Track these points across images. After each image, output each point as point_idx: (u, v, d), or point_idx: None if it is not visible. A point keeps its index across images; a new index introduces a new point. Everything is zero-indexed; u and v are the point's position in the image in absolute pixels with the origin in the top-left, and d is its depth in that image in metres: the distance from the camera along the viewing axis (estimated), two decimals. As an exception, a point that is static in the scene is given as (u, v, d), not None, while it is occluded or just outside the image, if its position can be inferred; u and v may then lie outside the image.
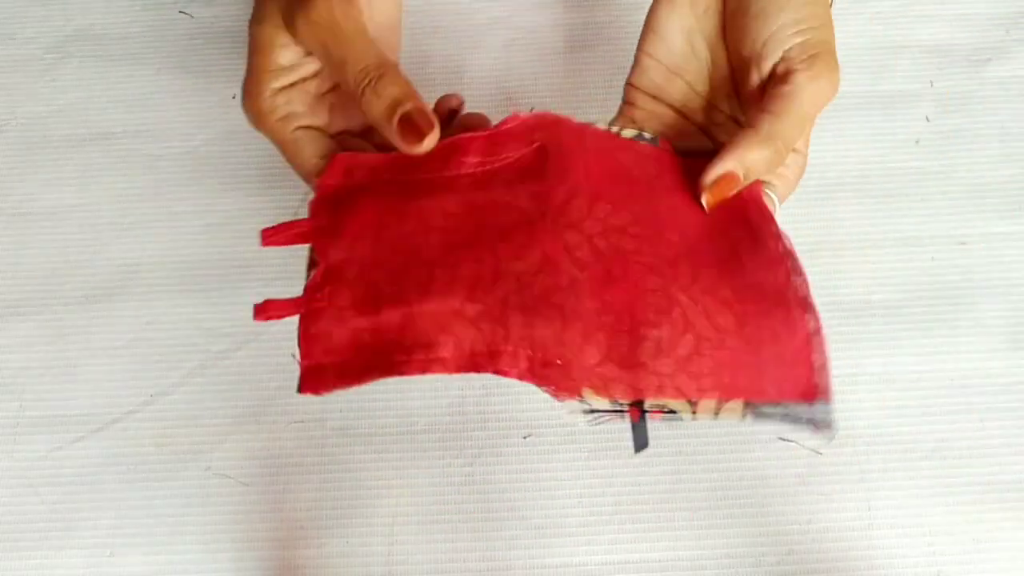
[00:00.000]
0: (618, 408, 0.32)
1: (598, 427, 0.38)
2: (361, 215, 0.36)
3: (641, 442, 0.33)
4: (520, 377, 0.32)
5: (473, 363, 0.32)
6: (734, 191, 0.39)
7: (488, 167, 0.37)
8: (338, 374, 0.32)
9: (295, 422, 0.48)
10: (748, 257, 0.36)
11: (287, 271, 0.50)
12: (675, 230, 0.36)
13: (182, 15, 0.57)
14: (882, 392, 0.48)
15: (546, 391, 0.32)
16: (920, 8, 0.56)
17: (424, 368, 0.31)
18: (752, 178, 0.39)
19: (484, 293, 0.32)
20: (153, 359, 0.49)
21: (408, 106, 0.38)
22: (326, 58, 0.39)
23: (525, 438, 0.48)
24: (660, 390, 0.32)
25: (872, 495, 0.46)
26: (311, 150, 0.40)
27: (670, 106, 0.43)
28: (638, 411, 0.32)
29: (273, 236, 0.37)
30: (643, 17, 0.56)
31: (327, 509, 0.46)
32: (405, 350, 0.32)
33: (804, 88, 0.38)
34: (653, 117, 0.44)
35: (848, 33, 0.54)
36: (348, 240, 0.35)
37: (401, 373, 0.31)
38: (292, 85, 0.40)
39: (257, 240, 0.37)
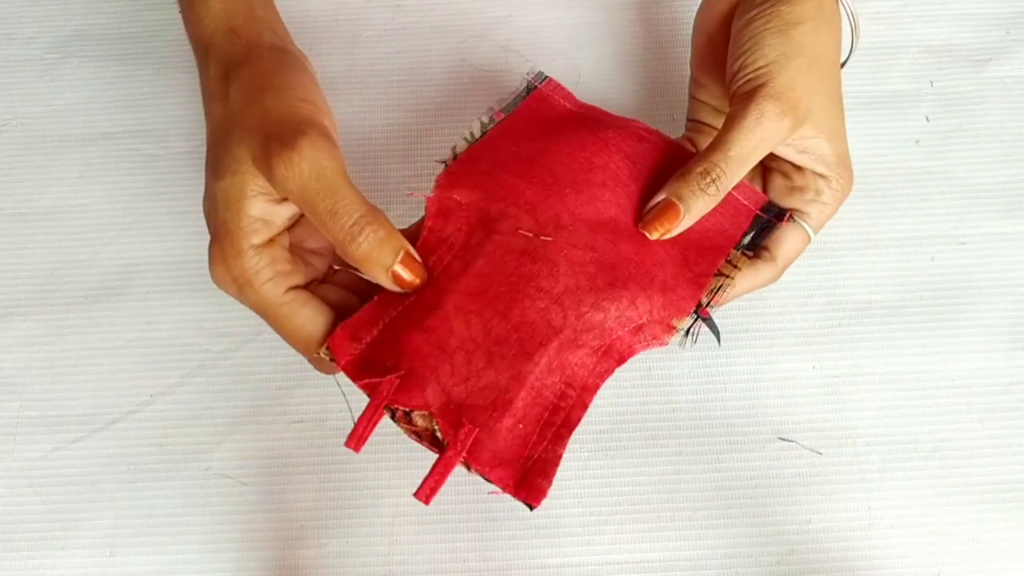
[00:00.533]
0: (696, 317, 0.42)
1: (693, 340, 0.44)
2: (398, 346, 0.39)
3: (717, 331, 0.43)
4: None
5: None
6: (675, 221, 0.41)
7: (448, 260, 0.42)
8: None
9: (295, 422, 0.48)
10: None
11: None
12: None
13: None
14: (882, 392, 0.48)
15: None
16: (920, 8, 0.56)
17: None
18: (692, 207, 0.41)
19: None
20: (153, 359, 0.49)
21: (401, 256, 0.38)
22: (310, 206, 0.36)
23: (525, 438, 0.47)
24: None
25: (872, 495, 0.46)
26: (304, 316, 0.38)
27: None
28: (706, 311, 0.43)
29: (362, 434, 0.38)
30: (642, 17, 0.56)
31: (327, 509, 0.46)
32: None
33: (730, 120, 0.41)
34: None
35: (847, 33, 0.54)
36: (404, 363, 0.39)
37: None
38: (270, 240, 0.38)
39: (344, 438, 0.38)
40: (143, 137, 0.54)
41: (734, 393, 0.48)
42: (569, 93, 0.48)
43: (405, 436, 0.42)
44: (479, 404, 0.39)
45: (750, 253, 0.44)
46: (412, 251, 0.39)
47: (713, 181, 0.40)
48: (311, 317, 0.38)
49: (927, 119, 0.53)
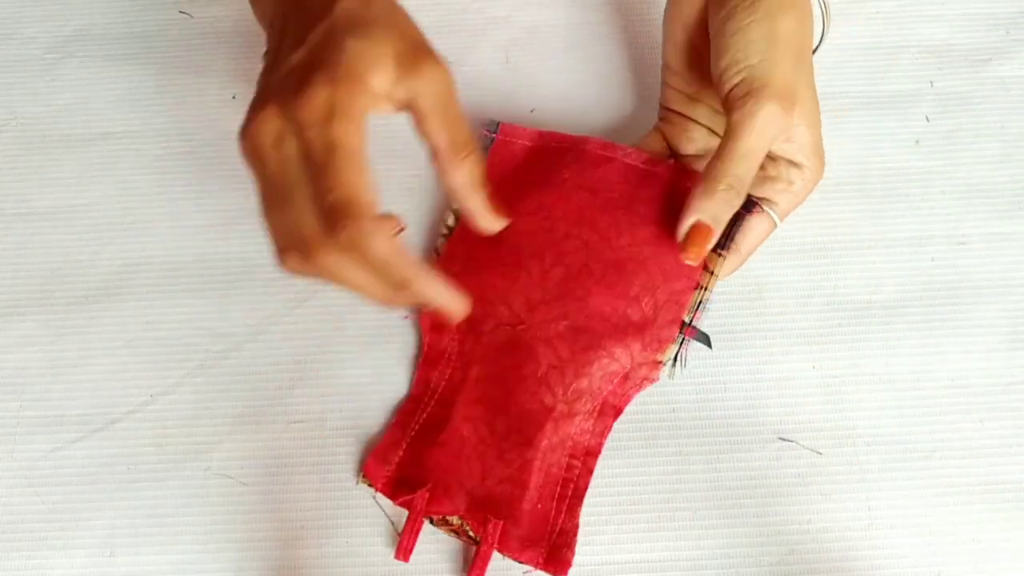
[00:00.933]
0: (681, 339, 0.46)
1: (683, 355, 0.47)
2: (422, 463, 0.46)
3: (707, 339, 0.46)
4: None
5: None
6: (710, 240, 0.42)
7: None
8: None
9: (295, 422, 0.48)
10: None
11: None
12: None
13: (182, 15, 0.57)
14: (882, 392, 0.48)
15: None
16: (920, 8, 0.56)
17: None
18: (722, 223, 0.42)
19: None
20: (153, 359, 0.49)
21: (487, 188, 0.42)
22: (441, 108, 0.38)
23: (525, 438, 0.47)
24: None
25: (872, 495, 0.46)
26: (367, 177, 0.36)
27: (700, 124, 0.48)
28: (691, 330, 0.46)
29: (407, 546, 0.44)
30: (642, 17, 0.56)
31: (327, 509, 0.46)
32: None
33: (739, 127, 0.41)
34: (681, 134, 0.48)
35: (848, 33, 0.55)
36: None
37: None
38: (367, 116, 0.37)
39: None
40: (143, 137, 0.54)
41: (734, 393, 0.48)
42: (524, 129, 0.51)
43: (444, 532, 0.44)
44: (500, 498, 0.44)
45: (724, 252, 0.45)
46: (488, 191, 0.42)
47: (737, 193, 0.42)
48: (374, 187, 0.36)
49: (927, 119, 0.53)
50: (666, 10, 0.47)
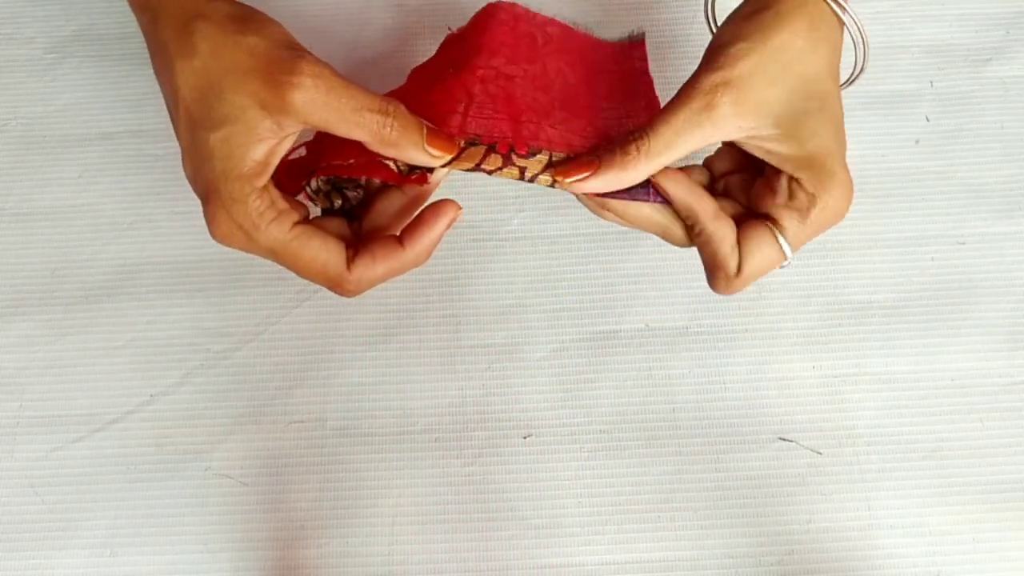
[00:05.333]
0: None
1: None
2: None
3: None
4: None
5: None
6: (582, 172, 0.40)
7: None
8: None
9: (295, 422, 0.48)
10: (615, 115, 0.45)
11: (287, 272, 0.50)
12: (558, 89, 0.45)
13: (182, 15, 0.57)
14: (882, 392, 0.48)
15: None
16: (920, 8, 0.56)
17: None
18: (607, 176, 0.40)
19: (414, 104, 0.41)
20: (153, 359, 0.49)
21: (425, 124, 0.39)
22: (335, 117, 0.37)
23: (525, 438, 0.48)
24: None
25: (872, 495, 0.46)
26: (315, 247, 0.39)
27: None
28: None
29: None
30: (642, 18, 0.56)
31: (327, 509, 0.46)
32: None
33: (680, 102, 0.39)
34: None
35: (848, 33, 0.54)
36: None
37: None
38: (266, 184, 0.38)
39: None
40: (143, 137, 0.54)
41: (734, 393, 0.48)
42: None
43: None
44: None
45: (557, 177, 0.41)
46: (430, 125, 0.40)
47: (637, 153, 0.39)
48: (322, 246, 0.39)
49: (927, 119, 0.53)
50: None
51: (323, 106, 0.37)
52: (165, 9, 0.39)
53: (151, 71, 0.56)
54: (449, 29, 0.48)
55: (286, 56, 0.37)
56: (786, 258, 0.41)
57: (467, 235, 0.51)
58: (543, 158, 0.40)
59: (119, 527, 0.46)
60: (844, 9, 0.41)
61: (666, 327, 0.49)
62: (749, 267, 0.41)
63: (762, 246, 0.41)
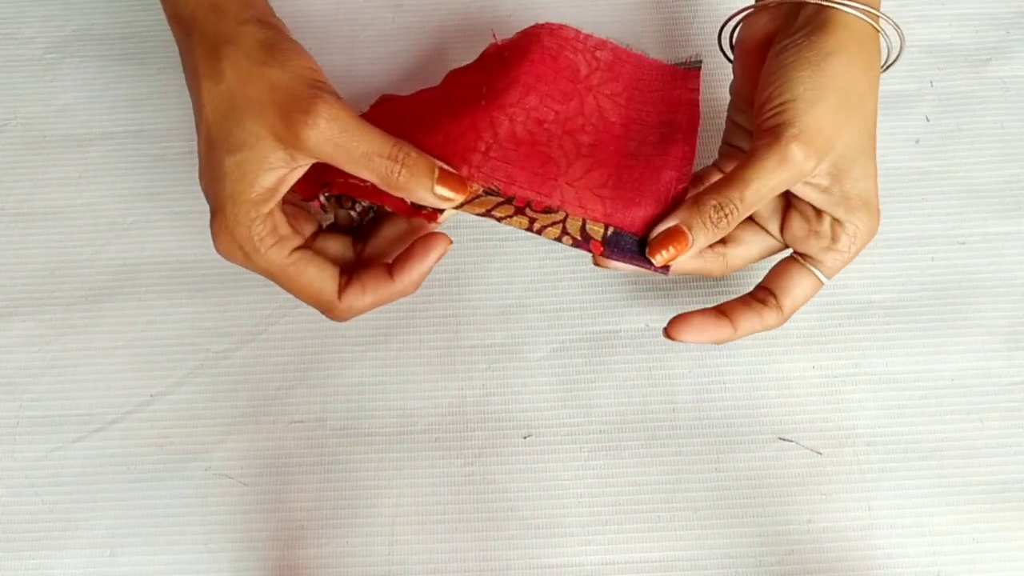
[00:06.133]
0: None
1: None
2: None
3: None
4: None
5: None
6: (683, 249, 0.40)
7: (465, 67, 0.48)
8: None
9: (295, 422, 0.48)
10: (645, 158, 0.44)
11: (287, 271, 0.50)
12: (590, 131, 0.45)
13: (182, 15, 0.57)
14: (882, 392, 0.48)
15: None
16: (920, 8, 0.56)
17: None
18: (700, 239, 0.40)
19: (428, 137, 0.42)
20: (153, 359, 0.49)
21: (438, 166, 0.40)
22: (345, 158, 0.39)
23: (525, 438, 0.48)
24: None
25: (872, 495, 0.46)
26: (311, 274, 0.41)
27: None
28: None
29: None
30: (642, 18, 0.56)
31: (327, 509, 0.46)
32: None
33: (752, 157, 0.39)
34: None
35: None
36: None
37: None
38: (272, 209, 0.40)
39: None
40: (143, 137, 0.54)
41: (734, 393, 0.48)
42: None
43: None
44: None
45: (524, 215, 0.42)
46: (445, 167, 0.40)
47: (725, 216, 0.40)
48: (318, 273, 0.41)
49: (927, 119, 0.53)
50: (735, 46, 0.45)
51: (334, 147, 0.38)
52: (199, 27, 0.41)
53: (151, 71, 0.56)
54: (493, 37, 0.48)
55: (305, 94, 0.38)
56: (823, 285, 0.43)
57: (467, 235, 0.51)
58: (557, 217, 0.41)
59: (119, 527, 0.46)
60: (895, 26, 0.42)
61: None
62: (790, 303, 0.43)
63: (802, 283, 0.43)
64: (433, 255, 0.42)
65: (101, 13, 0.57)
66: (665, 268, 0.41)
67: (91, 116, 0.55)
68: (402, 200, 0.41)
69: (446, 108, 0.45)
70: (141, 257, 0.51)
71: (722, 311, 0.43)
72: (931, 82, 0.54)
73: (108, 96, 0.55)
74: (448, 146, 0.41)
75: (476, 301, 0.50)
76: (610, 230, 0.42)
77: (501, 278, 0.50)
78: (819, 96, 0.39)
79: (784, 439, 0.47)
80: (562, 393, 0.48)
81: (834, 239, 0.42)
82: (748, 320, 0.43)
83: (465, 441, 0.48)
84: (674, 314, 0.43)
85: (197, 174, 0.40)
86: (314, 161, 0.40)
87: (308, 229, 0.44)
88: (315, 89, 0.39)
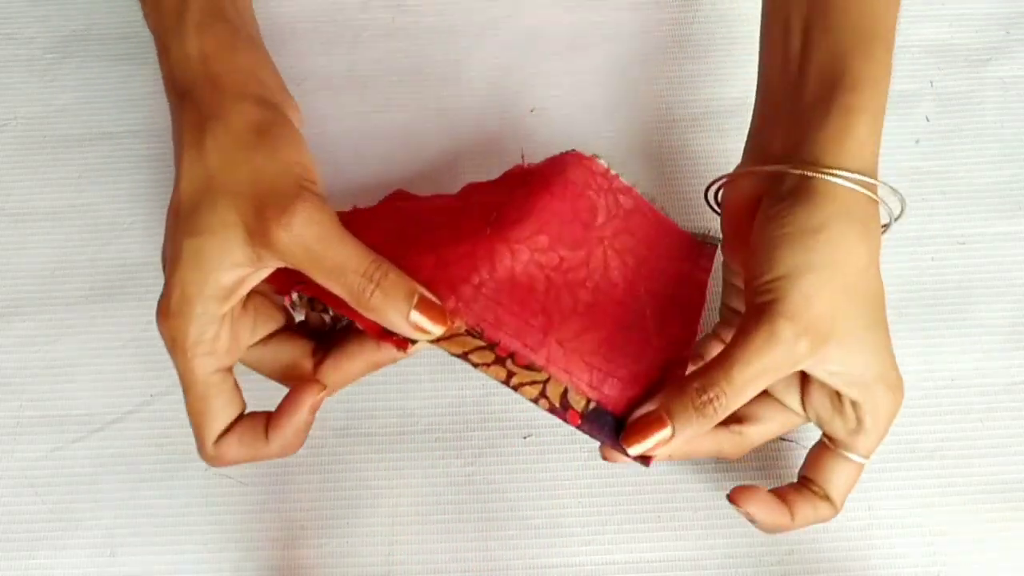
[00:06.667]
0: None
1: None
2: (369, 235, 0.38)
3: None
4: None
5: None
6: (656, 435, 0.36)
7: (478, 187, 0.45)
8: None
9: (295, 422, 0.48)
10: (642, 333, 0.41)
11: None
12: (591, 288, 0.41)
13: (182, 15, 0.57)
14: (882, 392, 0.48)
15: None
16: (920, 8, 0.56)
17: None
18: (682, 427, 0.36)
19: (422, 257, 0.39)
20: (153, 359, 0.49)
21: (420, 292, 0.36)
22: (316, 267, 0.35)
23: (525, 438, 0.48)
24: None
25: (872, 495, 0.46)
26: (215, 406, 0.37)
27: None
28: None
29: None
30: (642, 18, 0.56)
31: (327, 509, 0.46)
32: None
33: (739, 338, 0.36)
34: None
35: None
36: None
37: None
38: (223, 314, 0.36)
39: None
40: (143, 137, 0.54)
41: (734, 393, 0.48)
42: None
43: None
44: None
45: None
46: (427, 294, 0.37)
47: (710, 402, 0.36)
48: (221, 409, 0.38)
49: (927, 119, 0.53)
50: (722, 205, 0.42)
51: (306, 253, 0.35)
52: (192, 98, 0.38)
53: (151, 71, 0.56)
54: (522, 158, 0.45)
55: (287, 190, 0.35)
56: (864, 465, 0.41)
57: (467, 235, 0.51)
58: (538, 377, 0.38)
59: (119, 527, 0.46)
60: (892, 190, 0.39)
61: (666, 327, 0.49)
62: (837, 494, 0.40)
63: (841, 471, 0.40)
64: (304, 406, 0.38)
65: (101, 13, 0.57)
66: (644, 459, 0.38)
67: (91, 116, 0.55)
68: (374, 322, 0.37)
69: (451, 224, 0.42)
70: (141, 257, 0.51)
71: (781, 496, 0.40)
72: (931, 82, 0.54)
73: (108, 96, 0.55)
74: (440, 271, 0.38)
75: (476, 301, 0.50)
76: (592, 404, 0.38)
77: (501, 278, 0.50)
78: (805, 273, 0.35)
79: (784, 439, 0.47)
80: (562, 393, 0.48)
81: (859, 421, 0.39)
82: (804, 511, 0.40)
83: (465, 441, 0.47)
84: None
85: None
86: (281, 265, 0.36)
87: (272, 325, 0.40)
88: (299, 187, 0.35)
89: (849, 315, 0.36)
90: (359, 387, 0.48)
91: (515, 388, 0.37)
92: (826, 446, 0.41)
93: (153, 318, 0.50)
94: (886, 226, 0.40)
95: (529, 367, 0.38)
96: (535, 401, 0.38)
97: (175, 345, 0.36)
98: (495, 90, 0.55)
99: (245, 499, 0.47)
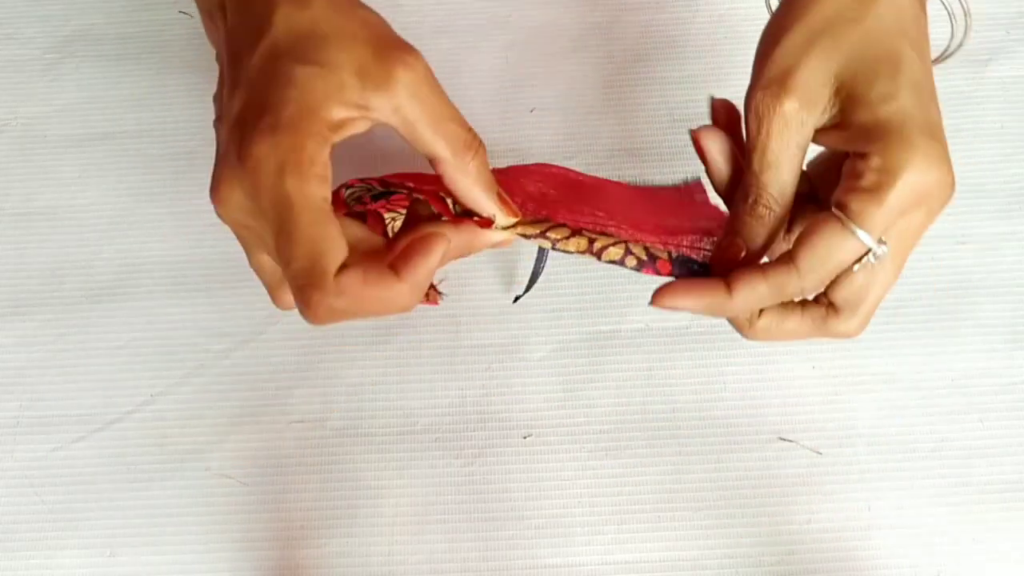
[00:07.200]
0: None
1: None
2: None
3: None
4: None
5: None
6: (736, 255, 0.36)
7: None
8: None
9: (295, 422, 0.48)
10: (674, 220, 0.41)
11: (287, 271, 0.50)
12: (613, 200, 0.42)
13: (182, 15, 0.57)
14: (882, 392, 0.48)
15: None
16: (920, 8, 0.56)
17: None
18: (753, 238, 0.36)
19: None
20: (153, 359, 0.49)
21: (496, 187, 0.36)
22: (428, 114, 0.33)
23: (525, 438, 0.48)
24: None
25: (872, 495, 0.46)
26: (332, 232, 0.32)
27: None
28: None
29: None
30: (642, 18, 0.56)
31: (327, 509, 0.46)
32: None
33: (753, 128, 0.35)
34: None
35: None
36: None
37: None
38: (334, 145, 0.33)
39: None
40: (143, 137, 0.54)
41: (734, 393, 0.48)
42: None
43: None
44: None
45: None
46: (501, 191, 0.36)
47: (765, 205, 0.36)
48: (339, 238, 0.32)
49: (927, 119, 0.53)
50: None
51: (421, 98, 0.33)
52: None
53: (151, 71, 0.56)
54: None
55: (399, 39, 0.34)
56: (866, 247, 0.34)
57: (467, 235, 0.51)
58: (618, 239, 0.38)
59: (119, 527, 0.46)
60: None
61: (666, 327, 0.49)
62: (808, 257, 0.34)
63: (825, 235, 0.34)
64: (438, 249, 0.34)
65: (101, 13, 0.57)
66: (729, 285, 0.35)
67: (91, 116, 0.55)
68: (446, 204, 0.36)
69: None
70: (141, 257, 0.51)
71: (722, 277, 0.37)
72: (931, 82, 0.54)
73: (108, 96, 0.55)
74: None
75: (476, 301, 0.50)
76: (675, 253, 0.38)
77: (501, 278, 0.50)
78: (784, 27, 0.35)
79: (784, 439, 0.47)
80: (562, 393, 0.48)
81: (872, 189, 0.33)
82: (749, 283, 0.35)
83: (465, 441, 0.47)
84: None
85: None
86: (379, 122, 0.33)
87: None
88: (401, 39, 0.34)
89: (833, 56, 0.35)
90: (359, 387, 0.48)
91: (599, 253, 0.37)
92: (825, 213, 0.34)
93: (154, 318, 0.50)
94: (951, 50, 0.39)
95: (604, 234, 0.38)
96: (620, 261, 0.37)
97: (286, 163, 0.31)
98: (495, 90, 0.55)
99: (245, 499, 0.47)
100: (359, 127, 0.34)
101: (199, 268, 0.51)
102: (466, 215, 0.37)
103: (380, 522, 0.46)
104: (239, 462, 0.47)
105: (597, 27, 0.56)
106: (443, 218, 0.37)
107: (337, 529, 0.46)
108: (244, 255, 0.51)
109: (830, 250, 0.34)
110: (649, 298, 0.37)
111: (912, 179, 0.33)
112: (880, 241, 0.34)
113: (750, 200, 0.36)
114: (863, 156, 0.33)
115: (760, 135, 0.35)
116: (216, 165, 0.34)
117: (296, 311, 0.34)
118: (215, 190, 0.33)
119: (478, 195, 0.36)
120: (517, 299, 0.49)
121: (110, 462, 0.47)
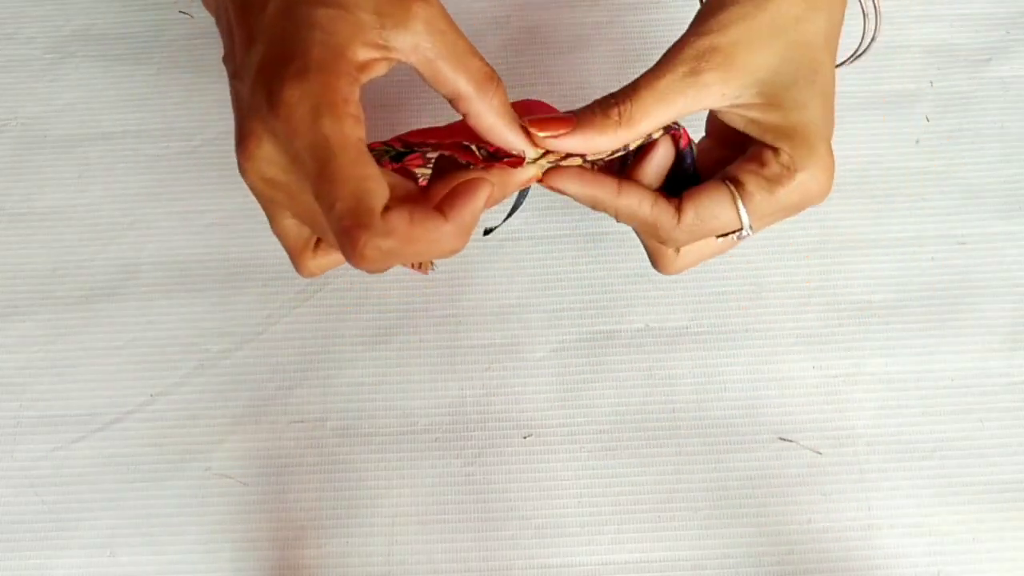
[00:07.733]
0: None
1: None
2: None
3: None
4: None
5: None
6: (562, 129, 0.36)
7: None
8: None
9: (295, 422, 0.48)
10: None
11: (287, 271, 0.50)
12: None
13: (182, 15, 0.57)
14: (882, 392, 0.48)
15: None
16: (920, 8, 0.56)
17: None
18: (582, 133, 0.36)
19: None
20: (153, 359, 0.49)
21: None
22: (448, 49, 0.33)
23: (525, 438, 0.48)
24: None
25: (872, 495, 0.46)
26: (373, 171, 0.31)
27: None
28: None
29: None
30: (642, 18, 0.56)
31: (327, 509, 0.46)
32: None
33: (661, 67, 0.36)
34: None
35: (848, 33, 0.54)
36: None
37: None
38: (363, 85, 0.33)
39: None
40: (143, 137, 0.54)
41: (734, 393, 0.48)
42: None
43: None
44: None
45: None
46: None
47: (619, 119, 0.36)
48: (376, 173, 0.31)
49: (927, 119, 0.53)
50: None
51: (441, 33, 0.33)
52: None
53: (151, 71, 0.56)
54: None
55: None
56: (741, 225, 0.37)
57: (467, 235, 0.51)
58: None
59: (119, 527, 0.46)
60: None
61: (666, 327, 0.49)
62: (692, 219, 0.37)
63: (714, 201, 0.37)
64: (482, 194, 0.33)
65: (101, 13, 0.57)
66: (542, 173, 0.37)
67: (91, 116, 0.55)
68: (472, 152, 0.36)
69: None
70: (141, 257, 0.51)
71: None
72: (931, 82, 0.54)
73: (108, 96, 0.55)
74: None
75: (476, 301, 0.50)
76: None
77: (501, 278, 0.50)
78: (743, 13, 0.36)
79: (784, 439, 0.47)
80: (562, 393, 0.48)
81: (762, 162, 0.36)
82: (639, 196, 0.37)
83: (465, 441, 0.48)
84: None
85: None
86: (398, 61, 0.33)
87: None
88: None
89: (770, 59, 0.36)
90: (359, 387, 0.48)
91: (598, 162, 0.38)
92: (721, 180, 0.37)
93: (154, 318, 0.50)
94: (861, 51, 0.41)
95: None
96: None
97: (320, 104, 0.31)
98: (495, 90, 0.55)
99: (245, 499, 0.47)
100: (380, 69, 0.33)
101: (199, 268, 0.51)
102: (492, 159, 0.36)
103: (380, 522, 0.46)
104: (239, 462, 0.47)
105: (597, 28, 0.56)
106: (471, 167, 0.36)
107: (337, 529, 0.46)
108: (243, 255, 0.51)
109: (713, 214, 0.37)
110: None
111: (806, 181, 0.37)
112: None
113: (611, 99, 0.36)
114: (774, 150, 0.36)
115: (668, 71, 0.36)
116: (242, 121, 0.33)
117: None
118: (243, 145, 0.32)
119: (503, 130, 0.35)
120: (488, 231, 0.47)
121: (110, 462, 0.47)
